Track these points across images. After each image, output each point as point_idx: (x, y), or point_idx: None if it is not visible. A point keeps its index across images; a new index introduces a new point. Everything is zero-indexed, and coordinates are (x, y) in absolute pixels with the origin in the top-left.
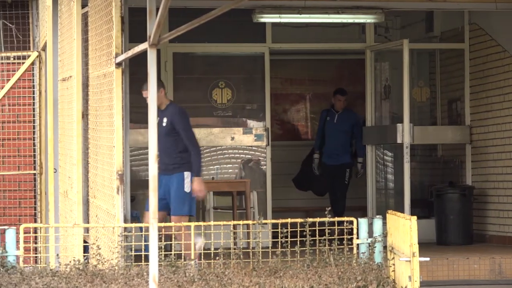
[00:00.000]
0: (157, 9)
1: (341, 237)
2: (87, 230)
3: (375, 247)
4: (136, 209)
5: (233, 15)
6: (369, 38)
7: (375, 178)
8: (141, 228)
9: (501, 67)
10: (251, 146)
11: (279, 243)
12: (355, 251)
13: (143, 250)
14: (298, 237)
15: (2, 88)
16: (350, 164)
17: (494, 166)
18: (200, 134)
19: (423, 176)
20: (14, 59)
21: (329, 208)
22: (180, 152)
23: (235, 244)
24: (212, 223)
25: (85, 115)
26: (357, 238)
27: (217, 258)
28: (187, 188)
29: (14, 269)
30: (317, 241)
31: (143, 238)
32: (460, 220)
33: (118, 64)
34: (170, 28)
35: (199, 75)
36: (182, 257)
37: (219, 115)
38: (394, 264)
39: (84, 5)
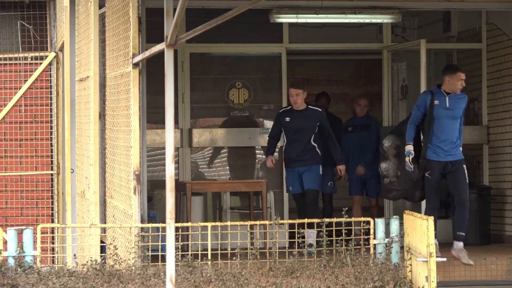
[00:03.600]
0: (174, 10)
1: (358, 237)
2: (104, 230)
3: (392, 247)
4: (152, 209)
5: (250, 15)
6: (386, 38)
7: None
8: (157, 228)
9: None
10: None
11: (296, 243)
12: (372, 251)
13: (160, 250)
14: (315, 237)
15: (20, 88)
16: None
17: None
18: (217, 134)
19: None
20: (31, 59)
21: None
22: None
23: (252, 244)
24: (229, 223)
25: (102, 115)
26: (374, 238)
27: (234, 258)
28: None
29: (31, 269)
30: (334, 241)
31: (160, 238)
32: (477, 221)
33: (135, 65)
34: (187, 29)
35: (216, 75)
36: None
37: (236, 115)
38: (411, 265)
39: (101, 5)
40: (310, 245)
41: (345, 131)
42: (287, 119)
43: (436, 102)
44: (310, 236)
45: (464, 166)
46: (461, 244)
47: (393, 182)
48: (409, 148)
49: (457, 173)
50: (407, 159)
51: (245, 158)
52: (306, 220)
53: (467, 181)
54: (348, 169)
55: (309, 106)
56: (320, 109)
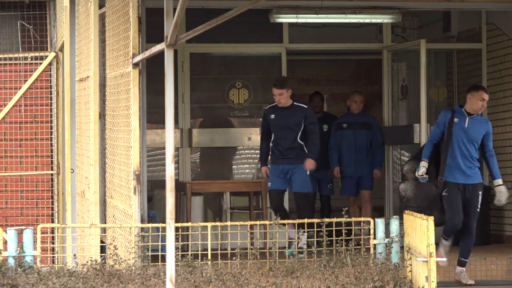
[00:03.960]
0: (174, 10)
1: (358, 237)
2: (104, 230)
3: (392, 247)
4: (152, 209)
5: (250, 15)
6: (386, 38)
7: (392, 178)
8: (157, 228)
9: None
10: None
11: (296, 244)
12: (372, 251)
13: (160, 250)
14: (315, 237)
15: (20, 88)
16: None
17: None
18: (217, 134)
19: None
20: (31, 59)
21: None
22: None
23: (252, 244)
24: (229, 223)
25: (102, 115)
26: (374, 238)
27: (234, 258)
28: None
29: (31, 269)
30: (334, 242)
31: (160, 238)
32: (477, 221)
33: (135, 65)
34: (187, 29)
35: (216, 75)
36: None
37: (236, 115)
38: (411, 265)
39: (101, 5)
40: (301, 250)
41: (339, 127)
42: (272, 116)
43: (455, 120)
44: (301, 239)
45: (480, 192)
46: (463, 269)
47: (409, 199)
48: (423, 164)
49: (472, 200)
50: (420, 171)
51: (245, 158)
52: (306, 220)
53: (478, 209)
54: (342, 166)
55: (295, 103)
56: (305, 106)
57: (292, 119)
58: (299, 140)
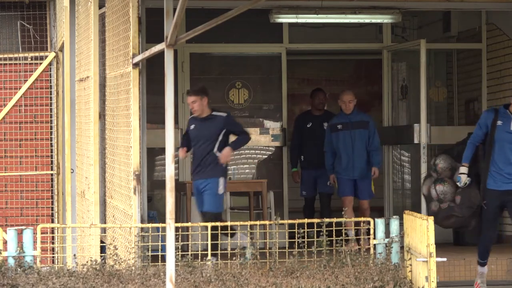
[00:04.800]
0: (174, 10)
1: (358, 237)
2: (104, 230)
3: (392, 247)
4: (152, 209)
5: (250, 15)
6: (386, 38)
7: (392, 178)
8: (157, 228)
9: None
10: (267, 147)
11: (296, 244)
12: (372, 251)
13: (160, 250)
14: (315, 237)
15: (20, 88)
16: None
17: None
18: None
19: None
20: (31, 59)
21: (346, 209)
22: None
23: (251, 244)
24: (229, 223)
25: (102, 115)
26: (374, 238)
27: (234, 258)
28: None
29: (31, 269)
30: (334, 242)
31: (159, 238)
32: (478, 221)
33: (135, 65)
34: (187, 29)
35: (216, 75)
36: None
37: (236, 116)
38: (411, 265)
39: (101, 5)
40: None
41: (334, 129)
42: (192, 126)
43: (499, 122)
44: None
45: None
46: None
47: (452, 207)
48: (463, 170)
49: None
50: (462, 180)
51: (245, 158)
52: (306, 220)
53: None
54: (340, 169)
55: (213, 113)
56: (225, 114)
57: (209, 130)
58: (215, 153)
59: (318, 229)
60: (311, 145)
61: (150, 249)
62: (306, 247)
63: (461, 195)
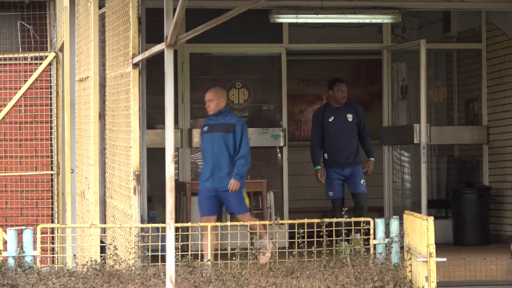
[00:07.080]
0: (174, 10)
1: (357, 237)
2: (104, 230)
3: (392, 247)
4: (152, 210)
5: (250, 15)
6: (386, 38)
7: (392, 178)
8: (157, 228)
9: None
10: (267, 147)
11: (296, 244)
12: (372, 251)
13: (159, 250)
14: (315, 237)
15: (20, 88)
16: None
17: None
18: None
19: (440, 176)
20: (31, 59)
21: (346, 209)
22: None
23: (251, 244)
24: (229, 223)
25: (102, 115)
26: (374, 238)
27: (234, 258)
28: None
29: (31, 270)
30: (334, 242)
31: (159, 238)
32: (477, 221)
33: (135, 65)
34: (187, 29)
35: (216, 75)
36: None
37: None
38: (411, 265)
39: (101, 5)
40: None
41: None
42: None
43: None
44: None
45: None
46: None
47: None
48: None
49: None
50: None
51: None
52: (306, 220)
53: None
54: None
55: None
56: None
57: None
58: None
59: (318, 229)
60: (336, 140)
61: (150, 249)
62: (306, 247)
63: None
